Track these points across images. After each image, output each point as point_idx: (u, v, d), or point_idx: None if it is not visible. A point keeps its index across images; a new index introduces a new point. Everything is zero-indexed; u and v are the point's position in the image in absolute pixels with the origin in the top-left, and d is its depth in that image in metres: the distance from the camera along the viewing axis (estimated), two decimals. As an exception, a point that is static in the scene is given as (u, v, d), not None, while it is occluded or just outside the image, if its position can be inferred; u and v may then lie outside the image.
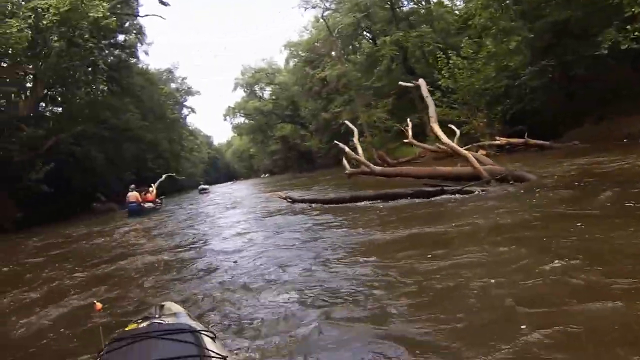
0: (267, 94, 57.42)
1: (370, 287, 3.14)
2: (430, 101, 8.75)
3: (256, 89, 57.38)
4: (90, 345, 2.50)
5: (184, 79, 57.18)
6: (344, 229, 5.77)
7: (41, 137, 18.09)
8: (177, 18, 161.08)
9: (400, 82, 12.01)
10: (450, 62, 18.56)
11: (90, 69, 22.47)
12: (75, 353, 2.73)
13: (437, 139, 8.54)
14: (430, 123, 8.40)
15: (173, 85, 50.92)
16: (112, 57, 28.79)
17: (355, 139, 10.49)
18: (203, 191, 36.01)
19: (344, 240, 5.00)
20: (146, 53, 42.78)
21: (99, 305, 2.32)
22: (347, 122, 12.91)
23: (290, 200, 9.85)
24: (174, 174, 32.33)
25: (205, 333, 1.49)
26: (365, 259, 3.97)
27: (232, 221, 9.59)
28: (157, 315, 1.80)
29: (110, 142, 27.43)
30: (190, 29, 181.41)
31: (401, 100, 30.23)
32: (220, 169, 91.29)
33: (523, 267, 3.00)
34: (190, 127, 60.72)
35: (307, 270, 3.90)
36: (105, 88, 25.96)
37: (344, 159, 11.52)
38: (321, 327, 2.53)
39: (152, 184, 19.13)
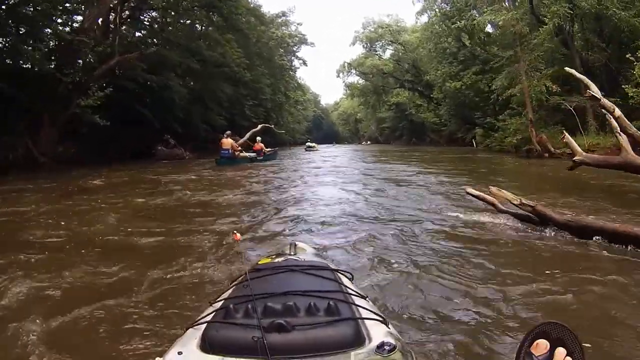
0: (388, 53, 50.83)
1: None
2: None
3: (377, 45, 50.97)
4: (230, 270, 3.04)
5: (298, 24, 52.73)
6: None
7: (102, 55, 14.41)
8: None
9: None
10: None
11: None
12: (219, 273, 3.08)
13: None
14: None
15: (285, 31, 46.55)
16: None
17: (607, 102, 4.48)
18: (309, 149, 35.63)
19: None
20: (259, -9, 39.05)
21: (238, 235, 2.16)
22: (569, 69, 6.71)
23: (534, 213, 4.20)
24: (273, 126, 29.28)
25: (344, 273, 1.50)
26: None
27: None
28: (292, 253, 1.80)
29: (201, 77, 23.83)
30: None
31: (556, 79, 22.13)
32: (323, 130, 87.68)
33: None
34: (299, 81, 56.64)
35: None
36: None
37: (566, 136, 5.76)
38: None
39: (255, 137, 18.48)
